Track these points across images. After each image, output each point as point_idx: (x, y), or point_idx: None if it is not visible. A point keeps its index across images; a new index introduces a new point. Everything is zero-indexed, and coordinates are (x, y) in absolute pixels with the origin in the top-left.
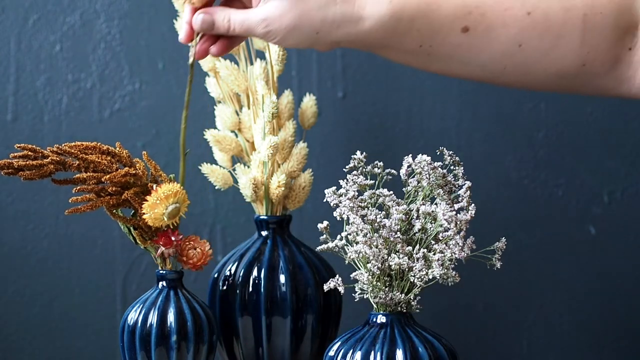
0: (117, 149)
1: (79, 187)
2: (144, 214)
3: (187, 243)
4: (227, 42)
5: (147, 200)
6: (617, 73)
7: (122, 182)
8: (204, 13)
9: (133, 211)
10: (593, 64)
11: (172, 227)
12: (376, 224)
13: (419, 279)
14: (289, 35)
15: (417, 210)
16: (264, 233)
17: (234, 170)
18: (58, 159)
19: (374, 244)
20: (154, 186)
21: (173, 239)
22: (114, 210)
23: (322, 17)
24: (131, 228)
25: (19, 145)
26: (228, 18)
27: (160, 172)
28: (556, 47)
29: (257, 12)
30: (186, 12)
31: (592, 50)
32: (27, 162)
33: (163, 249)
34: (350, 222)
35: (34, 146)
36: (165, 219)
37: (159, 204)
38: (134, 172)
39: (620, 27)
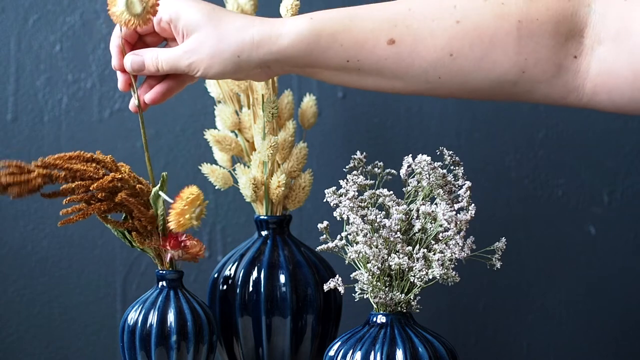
0: (100, 155)
1: (68, 198)
2: (170, 221)
3: (187, 239)
4: (162, 89)
5: (144, 206)
6: (563, 81)
7: (110, 187)
8: (133, 54)
9: (124, 215)
10: (533, 72)
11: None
12: (376, 224)
13: (419, 279)
14: (212, 63)
15: (417, 210)
16: (264, 233)
17: (234, 170)
18: (44, 172)
19: (374, 244)
20: (152, 196)
21: (180, 240)
22: (106, 216)
23: (241, 39)
24: (125, 232)
25: (2, 162)
26: (156, 56)
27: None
28: (490, 54)
29: (180, 47)
30: (114, 59)
31: (530, 57)
32: (15, 179)
33: (172, 252)
34: (350, 222)
35: (19, 162)
36: (195, 222)
37: (187, 209)
38: (120, 176)
39: (560, 34)
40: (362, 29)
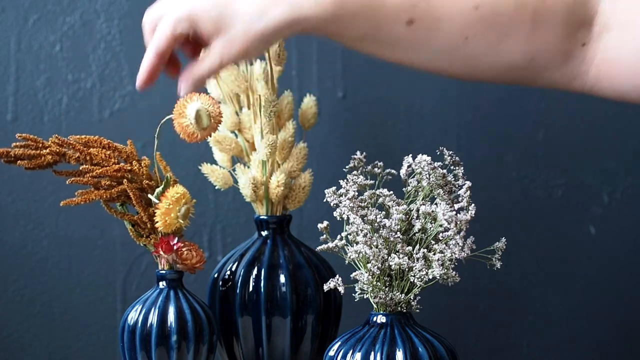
0: (119, 145)
1: (72, 179)
2: (156, 222)
3: (184, 247)
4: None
5: (146, 202)
6: (570, 68)
7: (117, 177)
8: (183, 82)
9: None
10: (542, 58)
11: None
12: (376, 224)
13: (419, 279)
14: (245, 48)
15: (417, 210)
16: (264, 233)
17: (233, 170)
18: (57, 150)
19: (374, 244)
20: (154, 196)
21: (172, 243)
22: (110, 205)
23: (263, 27)
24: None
25: (20, 135)
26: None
27: (169, 172)
28: (503, 41)
29: (211, 49)
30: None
31: (541, 45)
32: (26, 152)
33: (165, 256)
34: (350, 222)
35: (36, 137)
36: (181, 221)
37: (172, 208)
38: (129, 168)
39: (572, 23)
40: (383, 7)
